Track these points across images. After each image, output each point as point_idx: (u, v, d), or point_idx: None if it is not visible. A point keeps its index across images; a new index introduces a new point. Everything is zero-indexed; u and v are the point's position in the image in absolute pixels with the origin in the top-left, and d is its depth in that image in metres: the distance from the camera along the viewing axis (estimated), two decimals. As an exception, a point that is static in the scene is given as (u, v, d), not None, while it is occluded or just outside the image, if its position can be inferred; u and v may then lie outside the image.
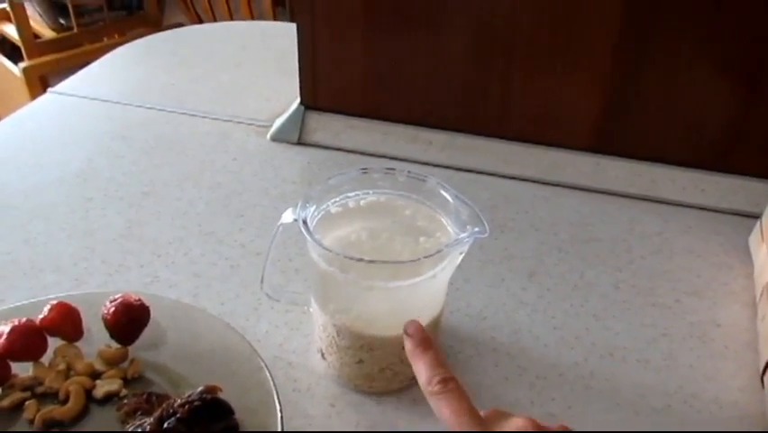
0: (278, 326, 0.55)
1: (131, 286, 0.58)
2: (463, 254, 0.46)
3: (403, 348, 0.47)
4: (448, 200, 0.48)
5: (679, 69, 0.68)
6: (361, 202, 0.50)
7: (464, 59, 0.73)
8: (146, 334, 0.51)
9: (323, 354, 0.50)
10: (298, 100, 0.81)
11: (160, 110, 0.86)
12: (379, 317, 0.46)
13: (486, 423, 0.38)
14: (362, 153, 0.78)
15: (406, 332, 0.44)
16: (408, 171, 0.50)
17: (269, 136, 0.81)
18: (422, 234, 0.48)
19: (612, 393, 0.51)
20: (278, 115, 0.83)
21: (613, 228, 0.68)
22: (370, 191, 0.51)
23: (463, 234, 0.44)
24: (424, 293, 0.46)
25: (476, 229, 0.45)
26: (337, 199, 0.50)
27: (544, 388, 0.51)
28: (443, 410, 0.40)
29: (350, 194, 0.50)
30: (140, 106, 0.87)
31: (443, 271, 0.46)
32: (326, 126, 0.80)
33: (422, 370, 0.42)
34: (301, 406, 0.49)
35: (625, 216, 0.70)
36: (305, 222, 0.45)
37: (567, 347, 0.55)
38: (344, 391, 0.50)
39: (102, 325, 0.50)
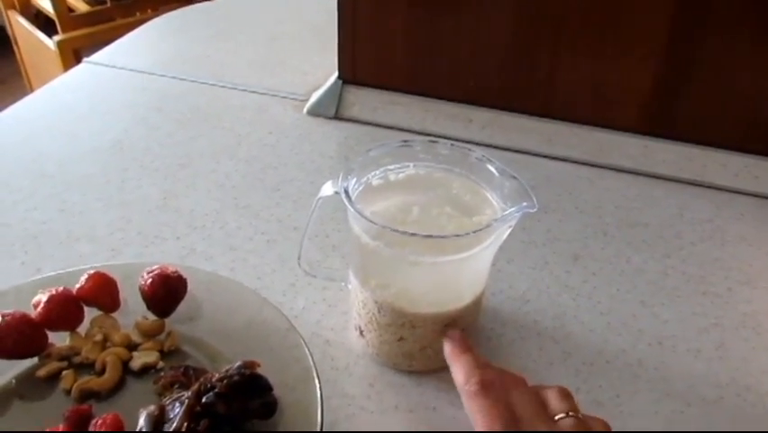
0: (316, 302, 0.54)
1: (167, 258, 0.57)
2: (511, 229, 0.44)
3: (446, 326, 0.46)
4: (493, 174, 0.47)
5: (735, 51, 0.65)
6: (401, 175, 0.49)
7: (510, 33, 0.70)
8: (182, 307, 0.50)
9: (361, 332, 0.49)
10: (336, 74, 0.79)
11: (195, 82, 0.85)
12: (422, 293, 0.44)
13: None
14: (401, 129, 0.76)
15: (446, 335, 0.45)
16: (452, 143, 0.49)
17: (305, 110, 0.79)
18: (467, 208, 0.46)
19: (662, 383, 0.49)
20: (315, 90, 0.81)
21: (661, 213, 0.66)
22: (411, 164, 0.49)
23: (513, 209, 0.43)
24: (469, 270, 0.45)
25: (524, 204, 0.43)
26: (377, 172, 0.48)
27: (591, 375, 0.49)
28: (477, 413, 0.39)
29: (390, 167, 0.49)
30: (175, 78, 0.86)
31: (489, 248, 0.44)
32: (364, 101, 0.78)
33: (460, 369, 0.42)
34: (339, 385, 0.47)
35: (673, 201, 0.68)
36: (347, 193, 0.43)
37: (614, 334, 0.52)
38: (383, 371, 0.49)
39: (138, 296, 0.49)
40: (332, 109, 0.78)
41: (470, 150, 0.48)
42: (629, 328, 0.53)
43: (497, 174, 0.46)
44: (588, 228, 0.63)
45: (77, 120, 0.77)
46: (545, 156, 0.73)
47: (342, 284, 0.51)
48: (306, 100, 0.81)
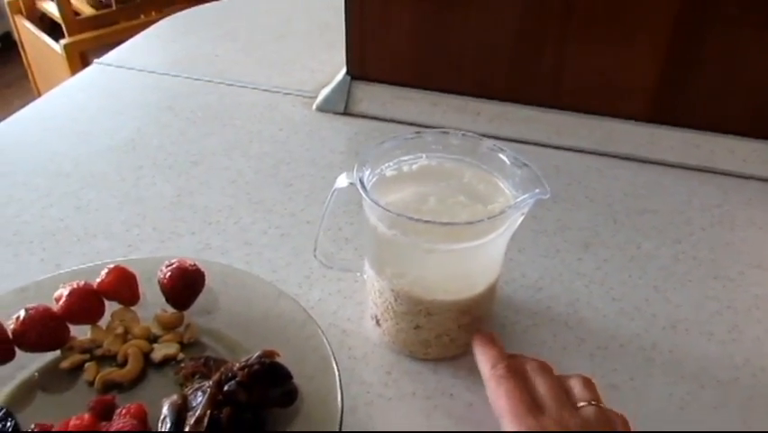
0: (331, 294, 0.54)
1: (183, 253, 0.57)
2: (523, 216, 0.45)
3: (461, 314, 0.46)
4: (505, 162, 0.47)
5: (742, 38, 0.65)
6: (414, 166, 0.49)
7: (517, 25, 0.71)
8: (200, 299, 0.50)
9: (378, 321, 0.50)
10: (344, 70, 0.79)
11: (205, 81, 0.86)
12: (438, 281, 0.45)
13: (541, 416, 0.38)
14: (410, 124, 0.77)
15: (476, 335, 0.46)
16: (463, 133, 0.49)
17: (314, 107, 0.80)
18: (480, 196, 0.47)
19: (676, 365, 0.49)
20: (324, 86, 0.82)
21: (670, 200, 0.66)
22: (423, 155, 0.50)
23: (525, 195, 0.43)
24: (483, 257, 0.45)
25: (537, 190, 0.43)
26: (391, 163, 0.49)
27: (605, 359, 0.50)
28: (502, 397, 0.40)
29: (403, 158, 0.49)
30: (185, 77, 0.87)
31: (502, 235, 0.44)
32: (373, 96, 0.78)
33: (486, 358, 0.43)
34: (357, 373, 0.48)
35: (682, 187, 0.68)
36: (362, 184, 0.44)
37: (627, 318, 0.53)
38: (400, 359, 0.49)
39: (157, 290, 0.50)
40: (341, 105, 0.79)
41: (480, 139, 0.49)
42: (642, 313, 0.53)
43: (508, 162, 0.47)
44: (598, 216, 0.64)
45: (89, 120, 0.78)
46: (554, 147, 0.74)
47: (358, 274, 0.52)
48: (315, 97, 0.81)
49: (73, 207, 0.63)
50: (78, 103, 0.82)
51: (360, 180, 0.44)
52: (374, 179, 0.47)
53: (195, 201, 0.64)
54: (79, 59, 1.93)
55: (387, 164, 0.49)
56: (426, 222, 0.41)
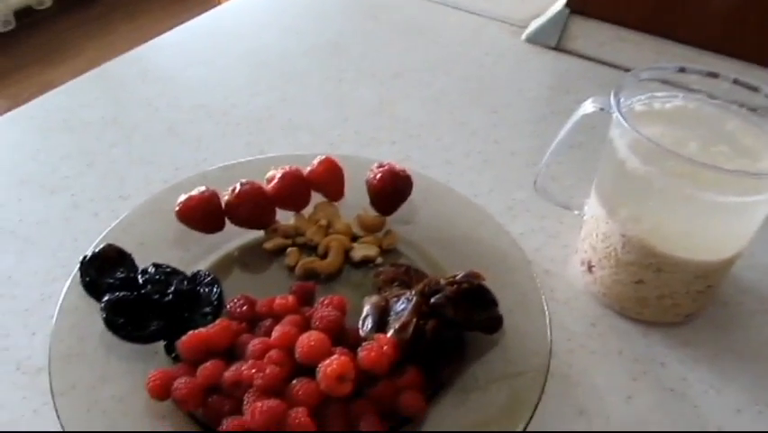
0: (534, 230, 0.50)
1: (384, 159, 0.55)
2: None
3: (696, 278, 0.41)
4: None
5: None
6: (667, 105, 0.43)
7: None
8: (401, 209, 0.48)
9: (590, 268, 0.45)
10: (563, 1, 0.73)
11: (410, -4, 0.82)
12: (681, 233, 0.40)
13: None
14: (626, 70, 0.70)
15: None
16: (735, 78, 0.43)
17: (524, 37, 0.74)
18: (746, 151, 0.40)
19: None
20: (533, 18, 0.76)
21: None
22: (680, 94, 0.44)
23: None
24: (742, 219, 0.39)
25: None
26: (643, 98, 0.43)
27: None
28: None
29: (657, 93, 0.44)
30: (390, -10, 0.84)
31: (768, 202, 0.38)
32: (591, 34, 0.72)
33: None
34: (559, 317, 0.44)
35: None
36: (620, 110, 0.39)
37: None
38: (607, 313, 0.45)
39: (358, 192, 0.48)
40: (554, 39, 0.73)
41: (758, 87, 0.42)
42: None
43: (791, 117, 0.40)
44: None
45: (293, 18, 0.77)
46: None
47: (576, 213, 0.48)
48: (524, 27, 0.76)
49: (277, 98, 0.63)
50: (281, 3, 0.81)
51: (618, 105, 0.39)
52: (622, 111, 0.42)
53: (396, 112, 0.62)
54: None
55: (638, 97, 0.43)
56: (715, 168, 0.35)
